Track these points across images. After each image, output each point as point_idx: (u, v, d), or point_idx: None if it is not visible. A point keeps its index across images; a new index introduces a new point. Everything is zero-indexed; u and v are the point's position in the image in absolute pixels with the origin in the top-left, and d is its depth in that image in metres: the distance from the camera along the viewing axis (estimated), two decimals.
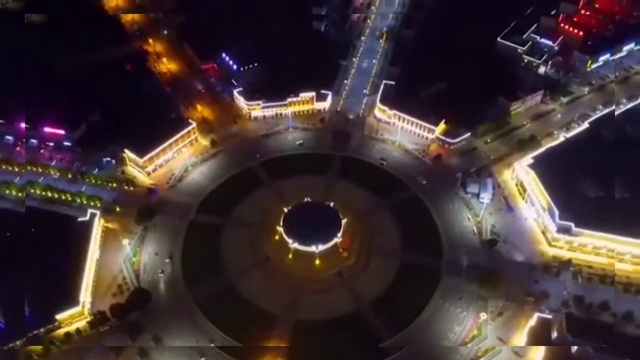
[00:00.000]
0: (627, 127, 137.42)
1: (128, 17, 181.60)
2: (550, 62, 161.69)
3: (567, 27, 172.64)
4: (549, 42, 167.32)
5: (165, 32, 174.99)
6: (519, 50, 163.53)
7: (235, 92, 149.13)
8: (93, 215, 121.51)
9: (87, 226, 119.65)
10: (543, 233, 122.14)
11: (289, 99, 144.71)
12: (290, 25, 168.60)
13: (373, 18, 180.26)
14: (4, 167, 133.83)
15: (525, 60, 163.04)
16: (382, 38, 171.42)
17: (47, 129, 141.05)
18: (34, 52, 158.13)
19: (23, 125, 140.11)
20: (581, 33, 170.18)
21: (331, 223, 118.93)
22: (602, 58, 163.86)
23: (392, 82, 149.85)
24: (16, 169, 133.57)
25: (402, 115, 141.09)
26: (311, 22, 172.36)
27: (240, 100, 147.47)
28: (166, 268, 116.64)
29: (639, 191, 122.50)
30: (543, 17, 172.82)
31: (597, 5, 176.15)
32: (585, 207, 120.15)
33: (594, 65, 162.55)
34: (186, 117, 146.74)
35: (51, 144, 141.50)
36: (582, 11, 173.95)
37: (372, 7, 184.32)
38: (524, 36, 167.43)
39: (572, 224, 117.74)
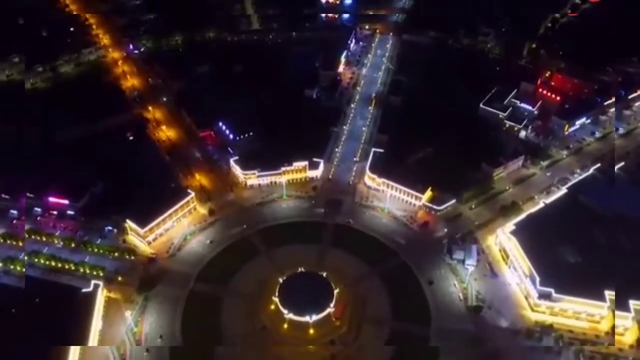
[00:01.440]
0: (580, 197, 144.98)
1: (128, 84, 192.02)
2: (530, 127, 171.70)
3: (545, 92, 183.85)
4: (529, 107, 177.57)
5: (165, 99, 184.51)
6: (500, 116, 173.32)
7: (231, 160, 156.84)
8: (96, 286, 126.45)
9: (91, 297, 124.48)
10: (526, 298, 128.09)
11: (283, 168, 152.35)
12: (283, 93, 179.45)
13: (362, 84, 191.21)
14: (8, 242, 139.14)
15: (507, 125, 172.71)
16: (371, 104, 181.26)
17: (52, 199, 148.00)
18: (38, 122, 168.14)
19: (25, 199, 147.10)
20: (558, 98, 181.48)
21: (324, 293, 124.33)
22: (579, 122, 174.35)
23: (381, 150, 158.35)
24: (20, 244, 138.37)
25: (391, 183, 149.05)
26: (303, 89, 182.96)
27: (237, 169, 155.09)
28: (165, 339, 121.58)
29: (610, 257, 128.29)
30: (523, 82, 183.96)
31: (552, 84, 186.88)
32: (564, 273, 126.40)
33: (572, 129, 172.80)
34: (185, 185, 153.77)
35: (55, 212, 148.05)
36: (540, 90, 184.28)
37: (363, 72, 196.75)
38: (505, 102, 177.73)
39: (552, 290, 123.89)
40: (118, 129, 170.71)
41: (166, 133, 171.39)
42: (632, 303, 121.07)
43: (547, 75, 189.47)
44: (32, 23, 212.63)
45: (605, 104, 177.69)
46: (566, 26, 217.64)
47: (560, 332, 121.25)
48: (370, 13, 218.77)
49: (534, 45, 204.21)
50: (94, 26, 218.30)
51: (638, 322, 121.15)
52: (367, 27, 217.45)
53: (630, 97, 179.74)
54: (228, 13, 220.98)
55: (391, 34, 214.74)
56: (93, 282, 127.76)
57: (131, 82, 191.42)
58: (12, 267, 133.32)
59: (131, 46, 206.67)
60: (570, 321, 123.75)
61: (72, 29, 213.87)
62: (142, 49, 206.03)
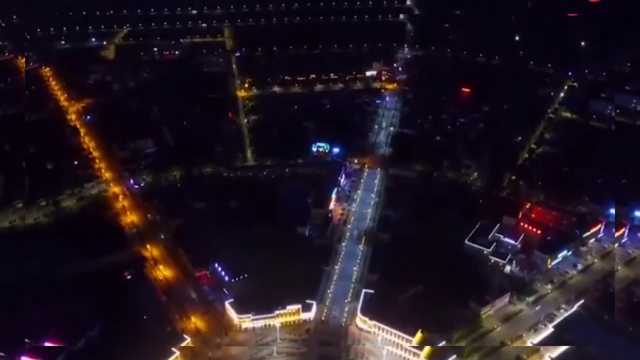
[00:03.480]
0: (567, 336, 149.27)
1: (128, 220, 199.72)
2: (514, 261, 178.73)
3: (526, 225, 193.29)
4: (512, 241, 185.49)
5: (162, 236, 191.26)
6: (485, 252, 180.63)
7: (226, 303, 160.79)
8: None
9: None
10: None
11: (277, 312, 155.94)
12: (276, 231, 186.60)
13: (352, 220, 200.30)
14: None
15: (492, 261, 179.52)
16: (361, 242, 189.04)
17: (48, 344, 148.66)
18: (39, 261, 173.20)
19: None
20: (539, 231, 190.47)
21: None
22: (561, 254, 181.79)
23: (372, 291, 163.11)
24: None
25: (382, 325, 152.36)
26: (296, 227, 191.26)
27: (232, 312, 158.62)
28: None
29: None
30: (505, 216, 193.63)
31: (533, 215, 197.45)
32: None
33: (554, 262, 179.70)
34: (180, 328, 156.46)
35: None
36: (521, 223, 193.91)
37: (353, 208, 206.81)
38: (489, 237, 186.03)
39: None
40: (116, 266, 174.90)
41: (163, 272, 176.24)
42: None
43: (527, 207, 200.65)
44: (39, 153, 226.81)
45: (584, 235, 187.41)
46: (542, 156, 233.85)
47: None
48: (356, 161, 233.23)
49: (513, 177, 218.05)
50: (97, 160, 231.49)
51: None
52: (355, 161, 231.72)
53: (584, 235, 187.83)
54: (226, 150, 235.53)
55: (379, 168, 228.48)
56: None
57: (130, 218, 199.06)
58: None
59: (132, 181, 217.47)
60: None
61: (76, 162, 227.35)
62: (142, 184, 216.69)
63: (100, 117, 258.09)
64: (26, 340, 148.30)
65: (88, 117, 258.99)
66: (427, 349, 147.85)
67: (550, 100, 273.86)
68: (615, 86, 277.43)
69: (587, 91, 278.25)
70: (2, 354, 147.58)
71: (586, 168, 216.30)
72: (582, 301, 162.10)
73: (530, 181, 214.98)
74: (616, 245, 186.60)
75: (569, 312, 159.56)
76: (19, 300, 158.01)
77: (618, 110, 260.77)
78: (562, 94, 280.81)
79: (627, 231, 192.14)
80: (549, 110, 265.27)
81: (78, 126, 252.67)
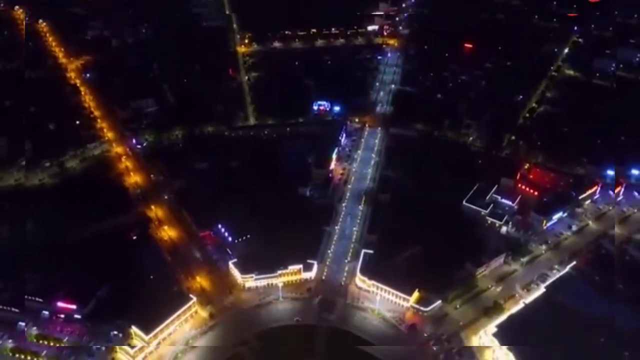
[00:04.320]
0: (558, 297, 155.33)
1: (132, 180, 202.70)
2: (510, 222, 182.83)
3: (523, 187, 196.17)
4: (509, 202, 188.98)
5: (166, 197, 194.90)
6: (482, 213, 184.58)
7: (230, 263, 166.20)
8: None
9: None
10: None
11: (279, 271, 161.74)
12: (278, 191, 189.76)
13: (352, 180, 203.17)
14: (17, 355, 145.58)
15: (489, 222, 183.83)
16: (362, 202, 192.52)
17: (60, 304, 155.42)
18: (46, 222, 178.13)
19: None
20: (536, 193, 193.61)
21: None
22: (556, 216, 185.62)
23: (371, 252, 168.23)
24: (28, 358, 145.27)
25: (380, 285, 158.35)
26: (297, 187, 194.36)
27: (235, 272, 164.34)
28: None
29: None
30: (503, 178, 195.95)
31: (531, 176, 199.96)
32: None
33: (549, 224, 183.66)
34: (186, 288, 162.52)
35: (62, 316, 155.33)
36: (519, 184, 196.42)
37: (353, 168, 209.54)
38: (487, 198, 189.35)
39: None
40: (122, 228, 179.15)
41: (168, 233, 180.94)
42: None
43: (526, 168, 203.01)
44: (40, 113, 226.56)
45: (580, 197, 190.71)
46: (543, 116, 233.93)
47: None
48: (357, 120, 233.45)
49: (513, 137, 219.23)
50: (98, 119, 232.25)
51: None
52: (356, 120, 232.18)
53: (580, 197, 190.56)
54: (227, 108, 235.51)
55: (379, 127, 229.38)
56: None
57: (134, 178, 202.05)
58: None
59: (134, 141, 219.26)
60: None
61: (77, 122, 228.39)
62: (144, 144, 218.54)
63: (100, 75, 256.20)
64: (39, 299, 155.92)
65: (87, 75, 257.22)
66: (415, 294, 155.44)
67: (553, 56, 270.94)
68: (619, 40, 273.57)
69: (591, 47, 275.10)
70: (40, 299, 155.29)
71: (586, 128, 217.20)
72: (574, 262, 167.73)
73: (529, 141, 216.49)
74: (610, 207, 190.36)
75: (561, 273, 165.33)
76: (27, 261, 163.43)
77: (622, 65, 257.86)
78: (566, 50, 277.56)
79: (622, 190, 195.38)
80: (552, 68, 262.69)
81: (78, 84, 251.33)
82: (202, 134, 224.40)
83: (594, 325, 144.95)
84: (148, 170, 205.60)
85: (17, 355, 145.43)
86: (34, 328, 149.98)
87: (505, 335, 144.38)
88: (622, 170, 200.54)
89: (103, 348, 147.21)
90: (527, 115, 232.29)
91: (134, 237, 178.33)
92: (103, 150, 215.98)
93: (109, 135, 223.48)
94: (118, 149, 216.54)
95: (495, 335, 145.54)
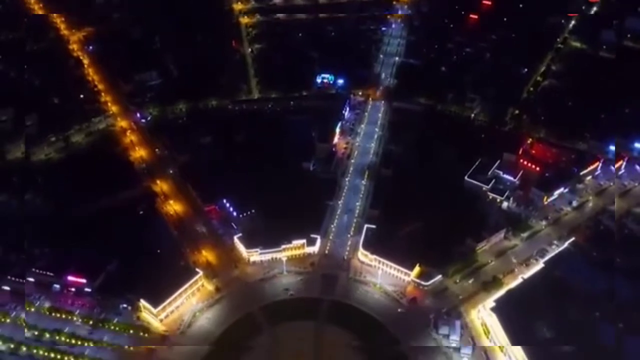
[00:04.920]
0: (556, 272, 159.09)
1: (137, 155, 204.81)
2: (511, 198, 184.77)
3: (525, 162, 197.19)
4: (511, 178, 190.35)
5: (171, 171, 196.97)
6: (484, 188, 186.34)
7: (235, 238, 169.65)
8: None
9: None
10: None
11: (283, 246, 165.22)
12: (282, 166, 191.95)
13: (356, 155, 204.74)
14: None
15: (490, 197, 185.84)
16: (365, 176, 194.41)
17: (70, 278, 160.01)
18: (54, 197, 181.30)
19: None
20: (538, 168, 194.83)
21: None
22: (557, 192, 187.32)
23: (373, 227, 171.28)
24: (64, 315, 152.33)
25: (382, 260, 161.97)
26: (300, 161, 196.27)
27: (240, 247, 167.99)
28: None
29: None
30: (505, 153, 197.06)
31: (533, 152, 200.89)
32: (537, 348, 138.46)
33: (550, 199, 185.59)
34: (193, 262, 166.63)
35: (73, 289, 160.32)
36: (521, 160, 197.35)
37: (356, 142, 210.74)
38: (489, 172, 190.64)
39: None
40: (128, 202, 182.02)
41: (173, 207, 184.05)
42: None
43: (528, 143, 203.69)
44: (45, 87, 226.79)
45: (582, 173, 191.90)
46: (547, 90, 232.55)
47: None
48: (360, 93, 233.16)
49: (516, 112, 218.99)
50: (102, 93, 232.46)
51: None
52: (360, 93, 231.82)
53: (582, 173, 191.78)
54: (230, 80, 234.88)
55: (383, 101, 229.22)
56: None
57: (139, 153, 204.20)
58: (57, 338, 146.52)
59: (138, 114, 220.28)
60: None
61: (82, 96, 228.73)
62: (148, 118, 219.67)
63: (103, 47, 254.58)
64: (50, 274, 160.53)
65: (90, 47, 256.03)
66: (416, 269, 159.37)
67: (560, 28, 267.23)
68: (627, 9, 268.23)
69: (598, 19, 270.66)
70: (51, 273, 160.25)
71: (591, 102, 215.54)
72: (572, 239, 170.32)
73: (533, 116, 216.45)
74: (611, 183, 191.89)
75: (560, 249, 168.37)
76: (36, 236, 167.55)
77: (629, 35, 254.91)
78: (573, 22, 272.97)
79: (624, 163, 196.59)
80: (557, 40, 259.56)
81: (81, 57, 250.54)
82: (206, 108, 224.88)
83: (590, 300, 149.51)
84: (153, 145, 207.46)
85: (53, 314, 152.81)
86: (47, 301, 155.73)
87: (503, 309, 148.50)
88: (625, 143, 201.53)
89: (129, 308, 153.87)
90: (532, 89, 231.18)
91: (141, 212, 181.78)
92: (108, 125, 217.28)
93: (114, 109, 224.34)
94: (123, 123, 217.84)
95: (493, 309, 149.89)
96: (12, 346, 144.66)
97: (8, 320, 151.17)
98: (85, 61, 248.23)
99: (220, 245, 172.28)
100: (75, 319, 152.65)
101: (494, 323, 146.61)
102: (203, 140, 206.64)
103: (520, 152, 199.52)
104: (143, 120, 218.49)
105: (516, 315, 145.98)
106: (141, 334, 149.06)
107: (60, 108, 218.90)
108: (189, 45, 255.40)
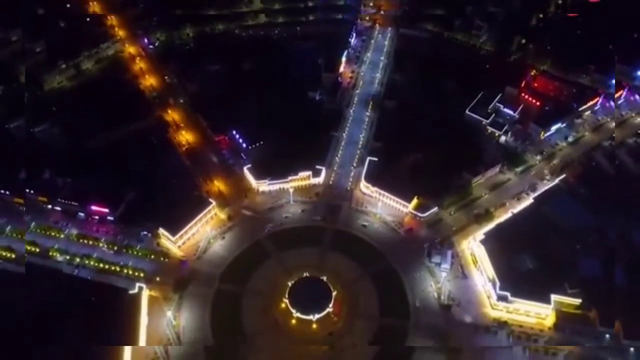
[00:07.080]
0: (544, 208, 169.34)
1: (147, 83, 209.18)
2: (510, 132, 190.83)
3: (527, 96, 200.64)
4: (511, 112, 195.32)
5: (181, 100, 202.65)
6: (483, 123, 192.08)
7: (245, 169, 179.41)
8: (141, 289, 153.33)
9: (137, 298, 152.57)
10: (488, 298, 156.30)
11: (290, 177, 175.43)
12: (288, 95, 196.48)
13: (361, 84, 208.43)
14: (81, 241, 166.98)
15: (489, 131, 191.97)
16: (369, 107, 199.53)
17: (94, 207, 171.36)
18: (70, 127, 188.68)
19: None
20: (538, 103, 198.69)
21: (324, 296, 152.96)
22: (555, 127, 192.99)
23: (375, 159, 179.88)
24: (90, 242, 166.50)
25: (382, 192, 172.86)
26: (307, 91, 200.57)
27: (250, 177, 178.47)
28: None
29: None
30: (507, 87, 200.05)
31: (535, 85, 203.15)
32: (521, 279, 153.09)
33: (547, 134, 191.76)
34: (205, 191, 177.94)
35: (97, 217, 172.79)
36: (522, 93, 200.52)
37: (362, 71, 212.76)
38: (490, 106, 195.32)
39: (508, 294, 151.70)
40: (141, 132, 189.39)
41: (185, 137, 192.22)
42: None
43: (531, 75, 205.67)
44: (49, 11, 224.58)
45: (581, 109, 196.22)
46: (556, 17, 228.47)
47: (512, 328, 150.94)
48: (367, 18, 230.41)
49: (523, 41, 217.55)
50: (108, 16, 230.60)
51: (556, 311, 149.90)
52: (367, 18, 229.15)
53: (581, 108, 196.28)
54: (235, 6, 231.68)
55: (390, 27, 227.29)
56: (137, 284, 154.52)
57: (149, 81, 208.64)
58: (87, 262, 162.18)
59: (146, 40, 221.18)
60: (522, 317, 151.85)
61: (87, 19, 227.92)
62: (156, 44, 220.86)
63: None
64: (74, 203, 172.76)
65: None
66: (414, 201, 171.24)
67: None
68: None
69: None
70: (75, 203, 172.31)
71: (601, 32, 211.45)
72: (563, 175, 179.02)
73: (539, 46, 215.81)
74: (609, 118, 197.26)
75: (551, 185, 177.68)
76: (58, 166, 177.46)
77: None
78: None
79: (624, 92, 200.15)
80: None
81: None
82: (213, 33, 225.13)
83: (573, 235, 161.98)
84: (162, 72, 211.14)
85: (81, 241, 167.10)
86: (74, 228, 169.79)
87: (491, 242, 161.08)
88: (628, 71, 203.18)
89: (149, 235, 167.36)
90: (541, 16, 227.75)
91: (154, 141, 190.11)
92: (116, 51, 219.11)
93: (121, 33, 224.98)
94: (131, 49, 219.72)
95: (482, 242, 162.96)
96: (67, 257, 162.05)
97: (62, 236, 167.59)
98: None
99: (231, 176, 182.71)
100: (101, 245, 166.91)
101: (481, 254, 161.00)
102: (211, 68, 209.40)
103: (522, 84, 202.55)
104: (151, 47, 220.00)
105: (502, 247, 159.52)
106: (162, 259, 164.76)
107: (66, 32, 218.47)
108: None
